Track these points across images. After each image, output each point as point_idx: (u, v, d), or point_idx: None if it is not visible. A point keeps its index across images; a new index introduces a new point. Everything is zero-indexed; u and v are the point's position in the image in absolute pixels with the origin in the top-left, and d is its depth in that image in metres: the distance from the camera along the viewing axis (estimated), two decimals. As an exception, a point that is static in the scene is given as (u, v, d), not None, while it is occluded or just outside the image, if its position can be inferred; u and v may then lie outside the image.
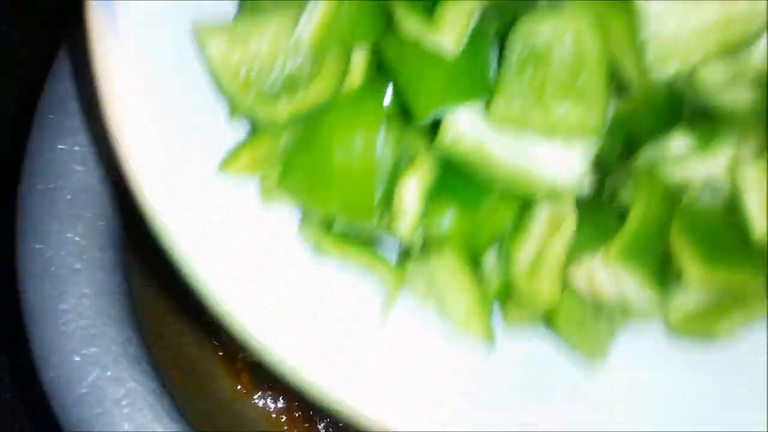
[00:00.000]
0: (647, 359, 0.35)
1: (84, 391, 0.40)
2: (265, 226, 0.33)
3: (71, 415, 0.39)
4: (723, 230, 0.33)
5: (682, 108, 0.33)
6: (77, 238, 0.42)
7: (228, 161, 0.33)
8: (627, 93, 0.31)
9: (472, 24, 0.30)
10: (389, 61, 0.31)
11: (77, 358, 0.40)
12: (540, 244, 0.33)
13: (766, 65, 0.31)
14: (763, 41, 0.31)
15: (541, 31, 0.30)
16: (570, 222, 0.32)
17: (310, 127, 0.33)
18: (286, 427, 0.60)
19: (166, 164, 0.31)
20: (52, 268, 0.41)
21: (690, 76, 0.31)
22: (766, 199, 0.32)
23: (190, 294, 0.31)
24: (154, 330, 0.55)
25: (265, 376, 0.58)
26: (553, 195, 0.32)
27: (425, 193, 0.32)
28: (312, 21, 0.31)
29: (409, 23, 0.30)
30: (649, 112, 0.32)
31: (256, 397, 0.60)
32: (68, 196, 0.42)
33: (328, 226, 0.33)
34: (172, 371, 0.56)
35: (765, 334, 0.34)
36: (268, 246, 0.33)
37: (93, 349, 0.41)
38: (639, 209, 0.32)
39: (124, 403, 0.40)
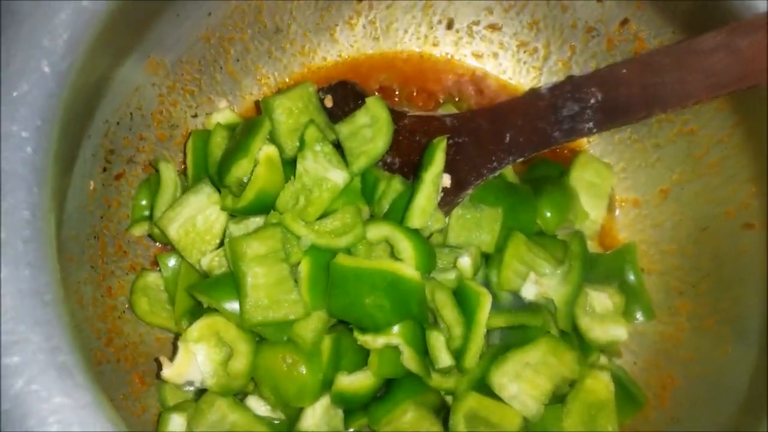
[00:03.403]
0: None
1: (5, 407, 0.35)
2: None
3: (-11, 436, 0.34)
4: None
5: None
6: (-5, 230, 0.36)
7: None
8: None
9: None
10: None
11: (-4, 369, 0.35)
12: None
13: None
14: None
15: None
16: None
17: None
18: None
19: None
20: (-35, 265, 0.35)
21: None
22: None
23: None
24: (108, 329, 0.50)
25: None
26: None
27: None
28: None
29: None
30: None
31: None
32: (-16, 181, 0.36)
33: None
34: (132, 374, 0.51)
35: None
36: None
37: (15, 359, 0.35)
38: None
39: (51, 420, 0.35)
